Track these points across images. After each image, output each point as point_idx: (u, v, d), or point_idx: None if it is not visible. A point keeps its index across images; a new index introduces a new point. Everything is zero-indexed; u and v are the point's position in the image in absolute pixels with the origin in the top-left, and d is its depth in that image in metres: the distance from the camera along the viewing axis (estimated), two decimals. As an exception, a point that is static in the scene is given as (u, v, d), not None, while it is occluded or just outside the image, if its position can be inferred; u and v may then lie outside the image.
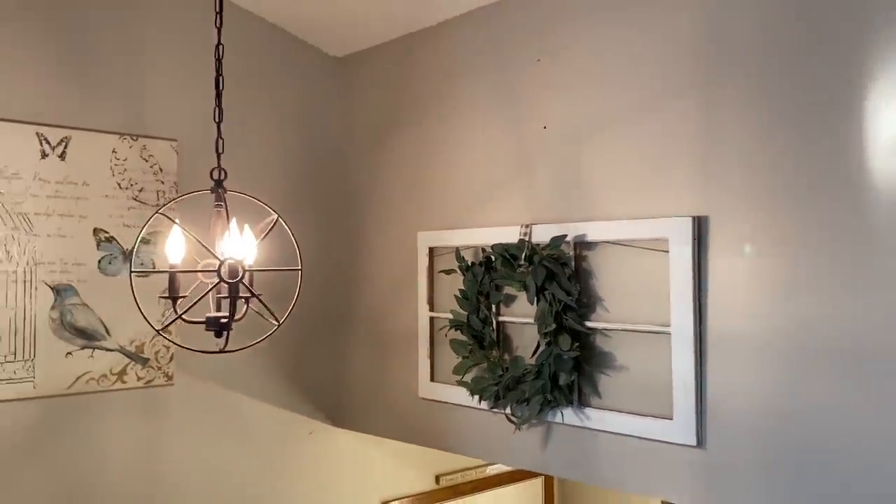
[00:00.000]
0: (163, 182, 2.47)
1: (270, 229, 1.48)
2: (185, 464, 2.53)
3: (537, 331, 2.12)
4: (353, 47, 2.89)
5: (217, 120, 1.54)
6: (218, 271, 1.38)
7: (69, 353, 2.28)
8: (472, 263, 2.34)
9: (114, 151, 2.38)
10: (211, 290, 1.41)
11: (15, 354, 2.19)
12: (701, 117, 1.88)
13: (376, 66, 2.83)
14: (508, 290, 2.29)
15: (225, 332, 1.47)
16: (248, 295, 1.47)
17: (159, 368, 2.45)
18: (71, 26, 2.31)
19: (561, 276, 2.06)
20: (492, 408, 2.27)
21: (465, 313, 2.35)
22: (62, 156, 2.28)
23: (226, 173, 1.53)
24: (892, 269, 1.57)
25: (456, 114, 2.50)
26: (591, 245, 2.09)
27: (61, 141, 2.28)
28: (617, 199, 2.04)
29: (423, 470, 3.18)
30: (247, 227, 1.54)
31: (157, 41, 2.48)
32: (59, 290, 2.27)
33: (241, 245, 1.43)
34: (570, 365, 2.03)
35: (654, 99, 1.97)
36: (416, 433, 2.62)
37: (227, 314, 1.47)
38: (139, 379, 2.42)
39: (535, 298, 2.11)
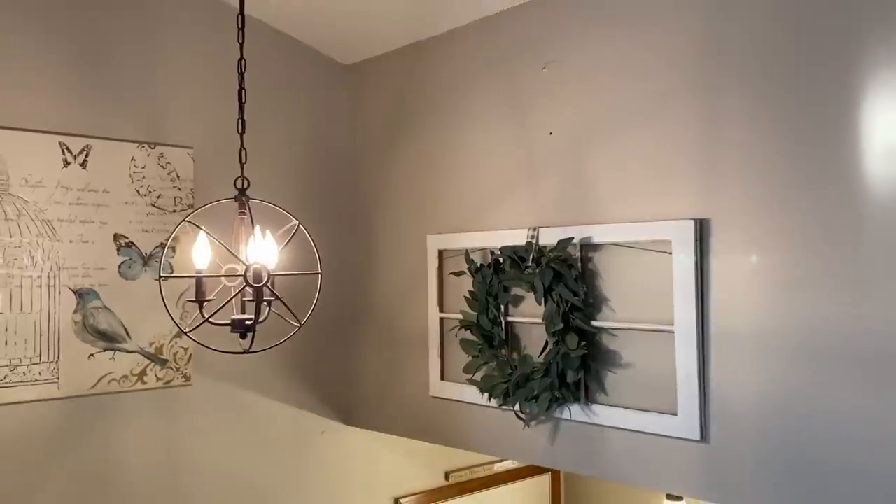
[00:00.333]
0: (180, 188, 2.54)
1: (293, 235, 1.55)
2: (202, 461, 2.60)
3: (545, 330, 2.19)
4: (362, 55, 2.96)
5: (240, 132, 1.61)
6: (245, 276, 1.45)
7: (91, 354, 2.36)
8: (481, 265, 2.41)
9: (133, 159, 2.45)
10: (237, 293, 1.49)
11: (40, 357, 2.27)
12: (702, 123, 1.94)
13: (385, 74, 2.91)
14: (516, 290, 2.37)
15: (249, 334, 1.54)
16: (272, 298, 1.54)
17: (177, 369, 2.53)
18: (91, 40, 2.39)
19: (568, 277, 2.13)
20: (501, 405, 2.34)
21: (475, 314, 2.42)
22: (84, 164, 2.36)
23: (248, 182, 1.60)
24: (887, 267, 1.63)
25: (464, 120, 2.58)
26: (596, 247, 2.16)
27: (83, 150, 2.36)
28: (621, 203, 2.11)
29: (432, 467, 3.26)
30: (268, 232, 1.61)
31: (172, 53, 2.55)
32: (81, 294, 2.35)
33: (265, 250, 1.50)
34: (577, 363, 2.10)
35: (657, 105, 2.04)
36: (428, 431, 2.70)
37: (252, 316, 1.54)
38: (158, 379, 2.49)
39: (543, 299, 2.18)
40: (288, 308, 1.56)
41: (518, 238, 2.33)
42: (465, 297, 2.46)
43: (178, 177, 2.54)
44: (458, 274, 2.48)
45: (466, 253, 2.46)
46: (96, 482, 2.37)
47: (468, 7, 2.49)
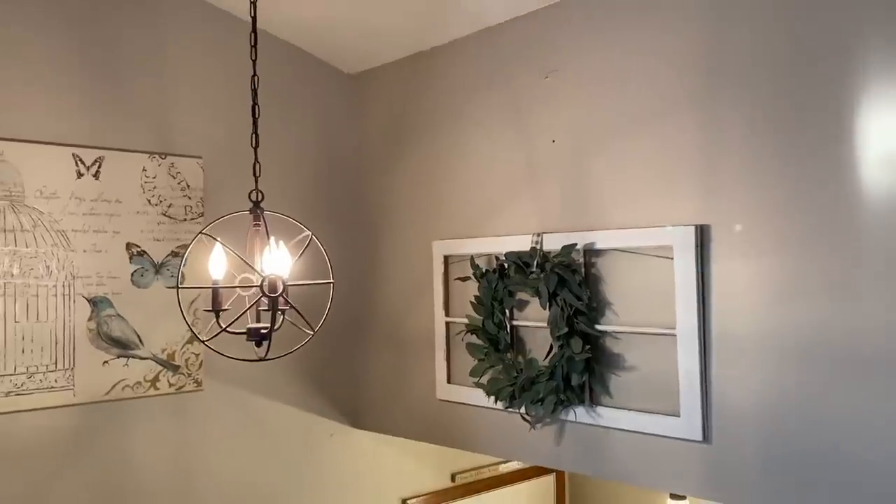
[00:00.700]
0: (190, 198, 2.60)
1: (307, 246, 1.60)
2: (214, 465, 2.65)
3: (550, 334, 2.24)
4: (366, 65, 3.01)
5: (254, 146, 1.66)
6: (261, 286, 1.50)
7: (106, 361, 2.41)
8: (487, 271, 2.46)
9: (144, 170, 2.50)
10: (254, 303, 1.54)
11: (56, 364, 2.32)
12: (702, 130, 1.99)
13: (389, 83, 2.96)
14: (521, 295, 2.41)
15: (265, 342, 1.59)
16: (286, 307, 1.59)
17: (189, 375, 2.58)
18: (103, 54, 2.44)
19: (572, 282, 2.18)
20: (507, 408, 2.39)
21: (481, 318, 2.47)
22: (96, 175, 2.41)
23: (262, 195, 1.65)
24: (885, 272, 1.68)
25: (467, 128, 2.63)
26: (599, 252, 2.21)
27: (95, 161, 2.41)
28: (623, 209, 2.16)
29: (439, 469, 3.30)
30: (281, 243, 1.66)
31: (182, 64, 2.60)
32: (95, 303, 2.40)
33: (280, 261, 1.55)
34: (581, 366, 2.15)
35: (658, 112, 2.09)
36: (435, 433, 2.75)
37: (267, 325, 1.59)
38: (171, 385, 2.54)
39: (548, 303, 2.23)
40: (302, 316, 1.61)
41: (522, 244, 2.38)
42: (470, 301, 2.51)
43: (188, 186, 2.59)
44: (464, 279, 2.53)
45: (472, 258, 2.51)
46: (111, 487, 2.42)
47: (470, 18, 2.54)
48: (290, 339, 1.74)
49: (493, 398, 2.42)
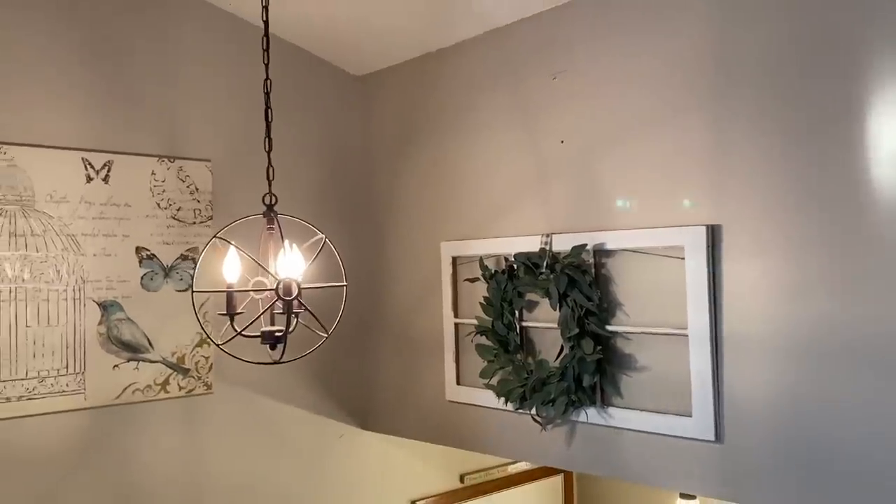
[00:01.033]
0: (199, 201, 2.60)
1: (321, 250, 1.60)
2: (224, 467, 2.66)
3: (561, 335, 2.24)
4: (372, 66, 3.02)
5: (267, 150, 1.66)
6: (276, 290, 1.50)
7: (116, 365, 2.41)
8: (496, 272, 2.46)
9: (153, 173, 2.51)
10: (270, 306, 1.54)
11: (67, 368, 2.32)
12: (712, 130, 1.99)
13: (396, 84, 2.96)
14: (530, 296, 2.42)
15: (279, 345, 1.59)
16: (300, 310, 1.60)
17: (199, 378, 2.58)
18: (111, 58, 2.44)
19: (582, 282, 2.18)
20: (517, 409, 2.39)
21: (490, 319, 2.47)
22: (106, 179, 2.41)
23: (276, 198, 1.65)
24: (895, 271, 1.68)
25: (475, 129, 2.63)
26: (609, 253, 2.21)
27: (104, 165, 2.41)
28: (634, 210, 2.16)
29: (447, 470, 3.31)
30: (294, 246, 1.66)
31: (190, 68, 2.61)
32: (105, 306, 2.40)
33: (294, 264, 1.55)
34: (593, 367, 2.15)
35: (667, 113, 2.09)
36: (444, 435, 2.75)
37: (281, 328, 1.59)
38: (181, 388, 2.54)
39: (558, 304, 2.23)
40: (317, 319, 1.61)
41: (531, 245, 2.38)
42: (479, 303, 2.51)
43: (197, 189, 2.59)
44: (473, 280, 2.53)
45: (481, 259, 2.51)
46: (122, 490, 2.43)
47: (477, 19, 2.54)
48: (301, 342, 1.74)
49: (503, 399, 2.42)
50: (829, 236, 1.78)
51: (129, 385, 2.44)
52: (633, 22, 2.18)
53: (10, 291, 2.23)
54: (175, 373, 2.53)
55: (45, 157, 2.30)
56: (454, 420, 2.70)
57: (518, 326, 2.44)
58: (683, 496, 3.41)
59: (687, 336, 2.01)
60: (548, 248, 2.31)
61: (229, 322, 1.60)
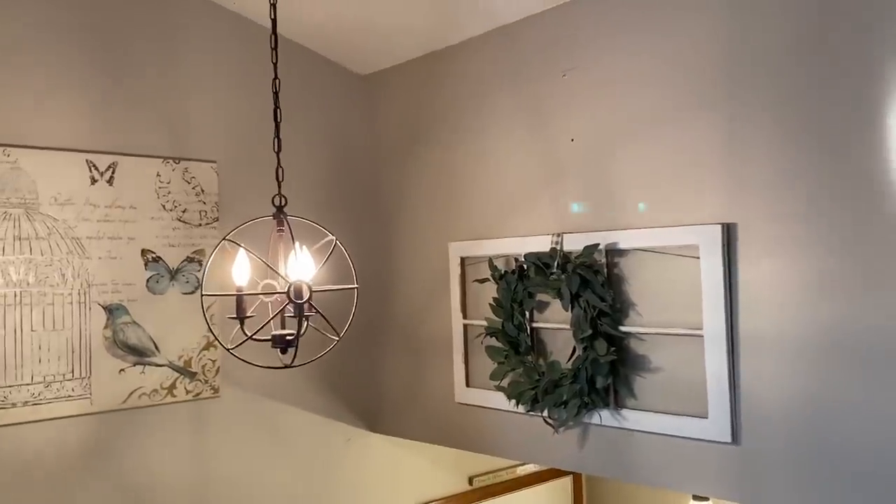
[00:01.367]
0: (204, 202, 2.57)
1: (331, 252, 1.57)
2: (232, 470, 2.63)
3: (573, 336, 2.21)
4: (378, 66, 2.98)
5: (276, 150, 1.63)
6: (287, 292, 1.47)
7: (122, 369, 2.39)
8: (505, 272, 2.43)
9: (158, 175, 2.48)
10: (281, 310, 1.51)
11: (73, 373, 2.29)
12: (727, 127, 1.96)
13: (403, 83, 2.93)
14: (541, 297, 2.38)
15: (290, 349, 1.56)
16: (311, 313, 1.57)
17: (206, 382, 2.55)
18: (114, 58, 2.42)
19: (595, 283, 2.15)
20: (529, 411, 2.36)
21: (500, 320, 2.44)
22: (110, 181, 2.38)
23: (286, 199, 1.62)
24: (916, 269, 1.66)
25: (483, 128, 2.60)
26: (622, 252, 2.18)
27: (109, 167, 2.38)
28: (647, 208, 2.12)
29: (456, 472, 3.28)
30: (304, 248, 1.63)
31: (194, 69, 2.58)
32: (111, 310, 2.37)
33: (306, 267, 1.52)
34: (606, 368, 2.12)
35: (681, 110, 2.06)
36: (454, 437, 2.72)
37: (291, 332, 1.56)
38: (188, 392, 2.52)
39: (570, 305, 2.20)
40: (328, 322, 1.58)
41: (541, 244, 2.35)
42: (489, 304, 2.48)
43: (203, 191, 2.57)
44: (483, 281, 2.50)
45: (490, 260, 2.48)
46: (129, 496, 2.40)
47: (485, 17, 2.51)
48: (311, 345, 1.71)
49: (514, 401, 2.39)
50: (847, 234, 1.75)
51: (136, 389, 2.41)
52: (645, 17, 2.15)
53: (16, 295, 2.20)
54: (182, 376, 2.50)
55: (48, 159, 2.27)
56: (464, 422, 2.67)
57: (528, 327, 2.41)
58: (696, 498, 3.38)
59: (702, 336, 1.98)
60: (559, 247, 2.28)
61: (239, 326, 1.57)
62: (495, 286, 2.46)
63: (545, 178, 2.40)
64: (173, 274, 2.50)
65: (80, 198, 2.33)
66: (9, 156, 2.20)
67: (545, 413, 2.30)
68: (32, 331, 2.23)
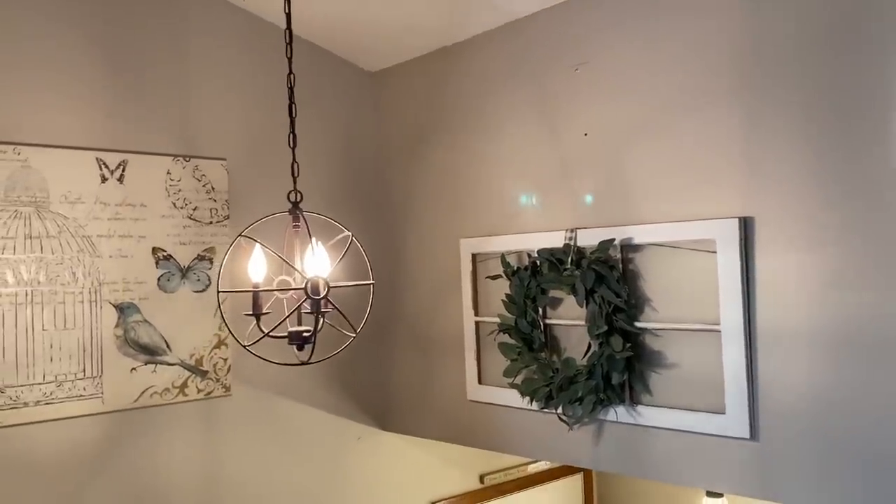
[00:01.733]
0: (215, 200, 2.56)
1: (348, 248, 1.56)
2: (243, 471, 2.61)
3: (588, 332, 2.20)
4: (387, 62, 2.97)
5: (291, 146, 1.61)
6: (305, 288, 1.46)
7: (133, 368, 2.37)
8: (518, 268, 2.41)
9: (168, 173, 2.47)
10: (298, 306, 1.50)
11: (84, 372, 2.28)
12: (744, 120, 1.94)
13: (412, 80, 2.91)
14: (554, 293, 2.37)
15: (307, 345, 1.55)
16: (328, 309, 1.55)
17: (217, 380, 2.54)
18: (124, 57, 2.40)
19: (610, 278, 2.13)
20: (543, 408, 2.34)
21: (513, 317, 2.42)
22: (121, 179, 2.37)
23: (301, 195, 1.61)
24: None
25: (493, 123, 2.58)
26: (637, 247, 2.16)
27: (119, 165, 2.37)
28: (662, 203, 2.11)
29: (467, 470, 3.26)
30: (320, 243, 1.62)
31: (203, 67, 2.57)
32: (122, 309, 2.36)
33: (323, 263, 1.51)
34: (622, 364, 2.11)
35: (697, 103, 2.04)
36: (466, 435, 2.70)
37: (308, 328, 1.55)
38: (199, 391, 2.50)
39: (585, 301, 2.18)
40: (346, 318, 1.57)
41: (554, 240, 2.33)
42: (502, 300, 2.46)
43: (213, 189, 2.55)
44: (495, 277, 2.48)
45: (503, 256, 2.47)
46: (141, 494, 2.38)
47: (494, 12, 2.49)
48: (324, 342, 1.69)
49: (528, 399, 2.37)
50: (866, 227, 1.74)
51: (148, 388, 2.40)
52: (657, 8, 2.13)
53: (27, 294, 2.19)
54: (193, 375, 2.49)
55: (59, 157, 2.26)
56: (476, 420, 2.65)
57: (542, 324, 2.39)
58: (710, 494, 3.36)
59: (719, 331, 1.96)
60: (572, 243, 2.27)
61: (255, 323, 1.55)
62: (507, 283, 2.45)
63: (558, 173, 2.38)
64: (184, 272, 2.48)
65: (91, 196, 2.31)
66: (19, 154, 2.19)
67: (559, 410, 2.29)
68: (44, 330, 2.22)
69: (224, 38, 2.62)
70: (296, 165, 1.62)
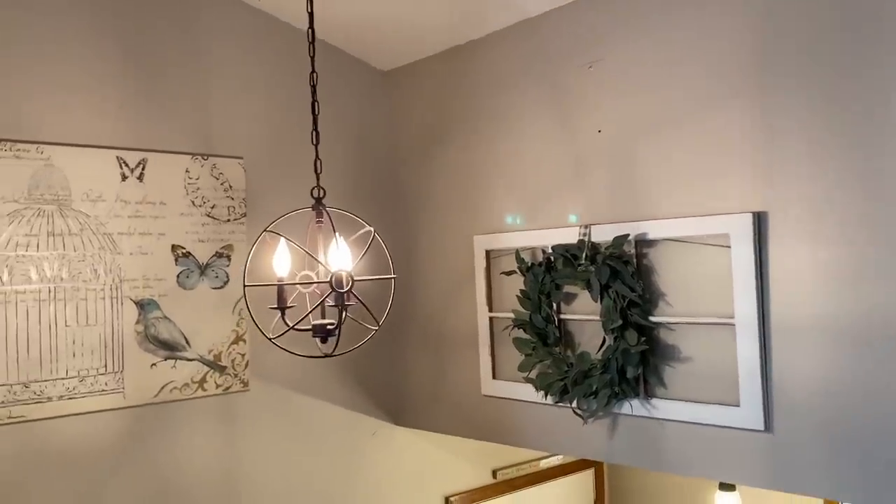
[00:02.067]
0: (232, 198, 2.59)
1: (370, 244, 1.59)
2: (260, 464, 2.65)
3: (602, 327, 2.22)
4: (401, 61, 3.00)
5: (314, 142, 1.65)
6: (330, 282, 1.49)
7: (154, 364, 2.41)
8: (532, 264, 2.44)
9: (187, 171, 2.50)
10: (323, 299, 1.53)
11: (106, 367, 2.32)
12: (757, 115, 1.97)
13: (425, 79, 2.94)
14: (568, 288, 2.40)
15: (330, 338, 1.58)
16: (352, 303, 1.58)
17: (236, 375, 2.58)
18: (144, 57, 2.44)
19: (624, 273, 2.16)
20: (557, 402, 2.37)
21: (528, 312, 2.45)
22: (140, 177, 2.41)
23: (324, 191, 1.64)
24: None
25: (507, 121, 2.61)
26: (651, 243, 2.19)
27: (139, 163, 2.41)
28: (676, 198, 2.13)
29: (480, 465, 3.29)
30: (342, 239, 1.65)
31: (221, 66, 2.60)
32: (142, 305, 2.40)
33: (347, 257, 1.54)
34: (637, 358, 2.13)
35: (710, 98, 2.06)
36: (481, 429, 2.73)
37: (332, 321, 1.58)
38: (218, 386, 2.54)
39: (599, 296, 2.21)
40: (369, 311, 1.60)
41: (568, 236, 2.36)
42: (516, 296, 2.49)
43: (231, 187, 2.59)
44: (510, 273, 2.51)
45: (517, 252, 2.49)
46: (161, 488, 2.42)
47: (507, 10, 2.52)
48: (344, 335, 1.72)
49: (542, 393, 2.40)
50: (880, 221, 1.76)
51: (167, 383, 2.43)
52: (670, 5, 2.15)
53: (50, 291, 2.22)
54: (212, 370, 2.52)
55: (80, 155, 2.29)
56: (491, 415, 2.68)
57: (556, 319, 2.42)
58: (723, 487, 3.38)
59: (734, 325, 1.99)
60: (587, 239, 2.29)
61: (280, 316, 1.59)
62: (522, 278, 2.48)
63: (572, 169, 2.41)
64: (203, 269, 2.52)
65: (112, 194, 2.35)
66: (42, 153, 2.23)
67: (574, 404, 2.32)
68: (66, 326, 2.25)
69: (240, 39, 2.66)
70: (319, 162, 1.65)
